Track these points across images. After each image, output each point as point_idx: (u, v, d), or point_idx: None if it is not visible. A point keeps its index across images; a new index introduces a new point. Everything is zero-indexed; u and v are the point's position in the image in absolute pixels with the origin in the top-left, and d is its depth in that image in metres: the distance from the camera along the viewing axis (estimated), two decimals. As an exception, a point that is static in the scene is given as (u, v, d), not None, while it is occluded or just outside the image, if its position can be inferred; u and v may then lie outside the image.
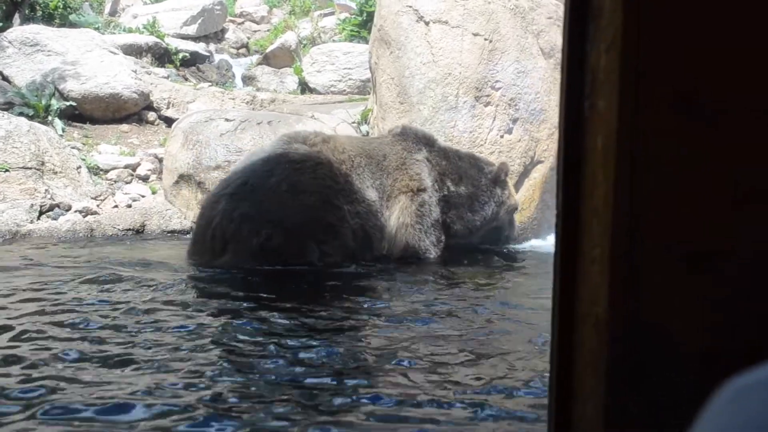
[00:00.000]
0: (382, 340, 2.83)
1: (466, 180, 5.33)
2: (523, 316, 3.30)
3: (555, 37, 6.67)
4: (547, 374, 2.35)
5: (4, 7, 9.55)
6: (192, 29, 12.09)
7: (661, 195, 1.16)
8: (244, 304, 3.34)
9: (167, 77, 9.54)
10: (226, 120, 6.48)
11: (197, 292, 3.68)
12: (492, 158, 6.31)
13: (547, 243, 6.30)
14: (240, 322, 2.98)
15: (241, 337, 2.76)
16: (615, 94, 1.21)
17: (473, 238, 5.50)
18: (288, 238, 4.27)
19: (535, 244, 6.29)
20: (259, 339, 2.73)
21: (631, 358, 1.12)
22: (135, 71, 8.76)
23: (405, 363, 2.47)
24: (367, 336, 2.93)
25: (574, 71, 1.37)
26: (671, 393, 1.13)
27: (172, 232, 6.09)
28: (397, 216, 4.82)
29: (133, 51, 10.15)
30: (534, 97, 6.48)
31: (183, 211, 6.28)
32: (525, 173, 6.42)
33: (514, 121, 6.41)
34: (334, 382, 2.25)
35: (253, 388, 2.22)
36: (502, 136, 6.35)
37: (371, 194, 4.70)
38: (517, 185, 6.37)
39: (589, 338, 1.27)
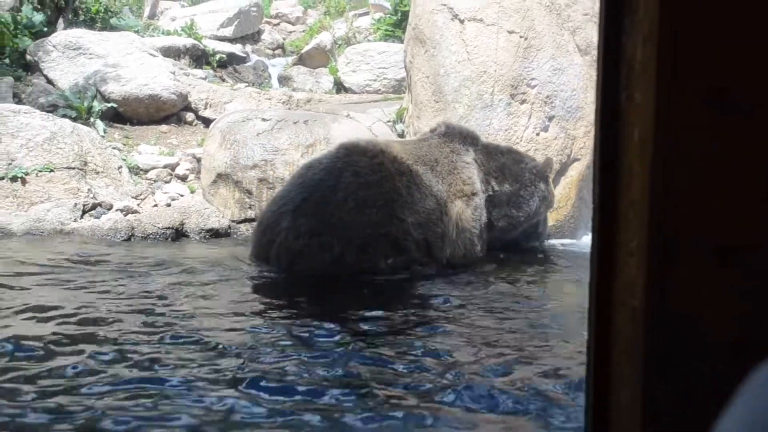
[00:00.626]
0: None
1: (509, 177, 5.32)
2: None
3: (591, 34, 6.60)
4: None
5: (49, 12, 9.79)
6: (229, 31, 12.25)
7: (693, 188, 1.17)
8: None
9: (205, 78, 9.69)
10: (263, 120, 6.55)
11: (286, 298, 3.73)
12: (528, 156, 6.28)
13: (583, 242, 6.25)
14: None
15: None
16: (651, 87, 1.21)
17: (515, 234, 5.47)
18: (359, 254, 4.25)
19: (570, 241, 6.24)
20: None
21: (663, 347, 1.13)
22: (173, 73, 8.92)
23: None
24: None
25: (610, 63, 1.37)
26: (700, 382, 1.14)
27: (210, 230, 6.18)
28: (455, 222, 4.80)
29: (172, 53, 10.32)
30: (570, 94, 6.43)
31: (221, 210, 6.37)
32: (562, 171, 6.37)
33: (550, 118, 6.37)
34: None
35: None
36: (538, 134, 6.32)
37: (430, 203, 4.65)
38: (554, 183, 6.32)
39: (625, 328, 1.28)
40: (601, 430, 1.34)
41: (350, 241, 4.24)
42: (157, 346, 2.67)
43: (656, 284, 1.14)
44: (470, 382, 2.22)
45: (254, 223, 6.11)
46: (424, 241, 4.57)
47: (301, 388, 2.19)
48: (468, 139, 5.24)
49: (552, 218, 6.28)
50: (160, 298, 3.56)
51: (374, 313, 3.29)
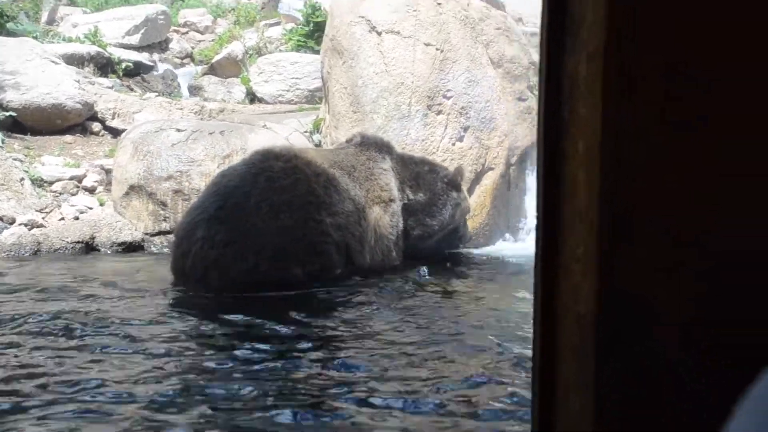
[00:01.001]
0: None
1: (423, 185, 5.40)
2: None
3: (503, 47, 6.83)
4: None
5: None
6: (135, 39, 11.86)
7: (643, 199, 1.22)
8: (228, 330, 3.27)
9: (111, 87, 9.35)
10: (177, 130, 6.39)
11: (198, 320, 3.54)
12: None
13: (497, 249, 6.43)
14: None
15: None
16: (598, 102, 1.27)
17: (431, 242, 5.56)
18: (273, 261, 4.14)
19: (485, 250, 6.40)
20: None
21: (613, 352, 1.15)
22: (78, 81, 8.55)
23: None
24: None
25: (552, 79, 1.43)
26: (654, 370, 1.19)
27: (123, 243, 5.97)
28: (373, 228, 4.81)
29: (75, 61, 9.90)
30: (484, 105, 6.61)
31: (134, 223, 6.16)
32: (476, 180, 6.53)
33: (465, 129, 6.53)
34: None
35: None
36: (453, 144, 6.46)
37: (349, 206, 4.62)
38: (469, 192, 6.48)
39: (572, 332, 1.33)
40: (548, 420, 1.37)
41: (263, 249, 4.13)
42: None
43: (606, 287, 1.20)
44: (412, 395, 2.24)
45: (170, 236, 5.95)
46: (344, 244, 4.55)
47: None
48: (384, 148, 5.31)
49: (469, 226, 6.43)
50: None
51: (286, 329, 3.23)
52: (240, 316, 3.38)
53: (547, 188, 1.44)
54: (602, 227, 1.24)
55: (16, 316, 3.33)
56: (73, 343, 2.93)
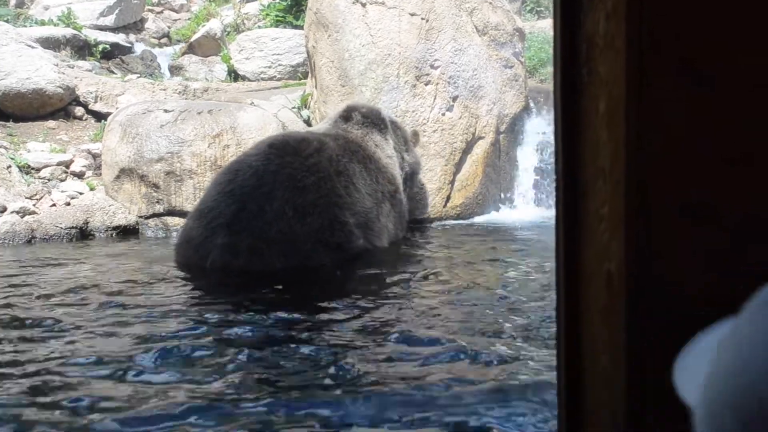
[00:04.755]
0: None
1: (410, 148, 5.44)
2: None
3: (488, 14, 6.81)
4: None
5: None
6: (110, 20, 11.66)
7: (667, 154, 1.24)
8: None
9: (91, 70, 9.21)
10: (165, 111, 6.33)
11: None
12: (435, 137, 6.43)
13: (492, 217, 6.49)
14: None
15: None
16: (620, 60, 1.29)
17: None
18: (303, 264, 3.97)
19: (479, 220, 6.45)
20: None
21: (644, 308, 1.17)
22: (57, 65, 8.41)
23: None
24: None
25: (567, 40, 1.45)
26: (680, 337, 1.22)
27: (117, 227, 5.94)
28: (385, 223, 4.75)
29: (51, 44, 9.72)
30: (472, 74, 6.61)
31: (127, 206, 6.13)
32: (467, 150, 6.56)
33: (454, 98, 6.53)
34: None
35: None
36: (443, 114, 6.47)
37: (368, 202, 4.52)
38: (460, 162, 6.51)
39: (600, 292, 1.35)
40: (576, 403, 1.37)
41: (290, 254, 3.93)
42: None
43: (633, 248, 1.18)
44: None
45: (165, 218, 5.94)
46: (367, 241, 4.44)
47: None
48: (382, 124, 5.25)
49: (461, 196, 6.47)
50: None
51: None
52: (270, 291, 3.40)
53: (567, 150, 1.46)
54: (628, 186, 1.26)
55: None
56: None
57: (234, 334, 2.76)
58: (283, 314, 3.03)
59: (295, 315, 3.03)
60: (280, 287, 3.62)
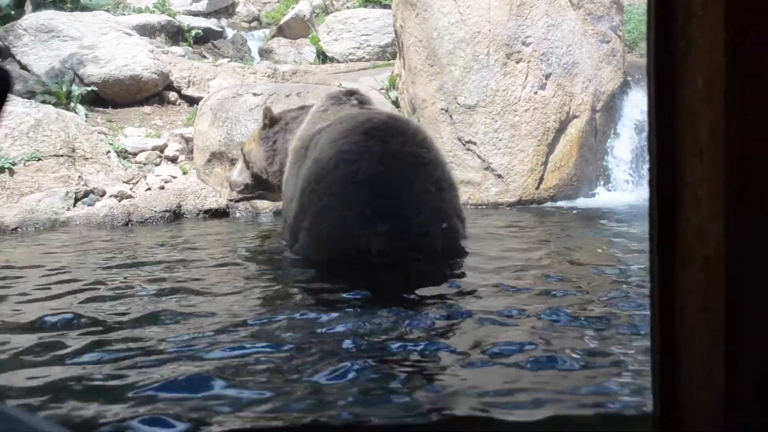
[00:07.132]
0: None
1: None
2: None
3: (584, -13, 6.49)
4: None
5: (15, -5, 9.42)
6: (202, 5, 11.92)
7: None
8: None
9: (184, 56, 9.42)
10: (254, 94, 6.38)
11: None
12: (527, 116, 6.19)
13: (592, 200, 6.21)
14: None
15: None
16: (720, 30, 1.16)
17: None
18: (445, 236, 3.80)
19: (579, 203, 6.17)
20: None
21: (744, 295, 1.10)
22: (152, 51, 8.65)
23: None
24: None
25: (663, 7, 1.31)
26: None
27: (208, 210, 6.04)
28: None
29: (147, 31, 10.02)
30: (566, 50, 6.32)
31: (218, 190, 6.22)
32: (561, 129, 6.29)
33: (547, 76, 6.27)
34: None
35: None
36: (536, 93, 6.22)
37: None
38: (554, 142, 6.26)
39: (698, 275, 1.23)
40: (671, 396, 1.29)
41: (446, 233, 3.75)
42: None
43: (734, 228, 1.11)
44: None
45: (255, 202, 5.95)
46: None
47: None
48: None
49: (555, 177, 6.23)
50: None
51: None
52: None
53: (660, 126, 1.33)
54: (729, 165, 1.14)
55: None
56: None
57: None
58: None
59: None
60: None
